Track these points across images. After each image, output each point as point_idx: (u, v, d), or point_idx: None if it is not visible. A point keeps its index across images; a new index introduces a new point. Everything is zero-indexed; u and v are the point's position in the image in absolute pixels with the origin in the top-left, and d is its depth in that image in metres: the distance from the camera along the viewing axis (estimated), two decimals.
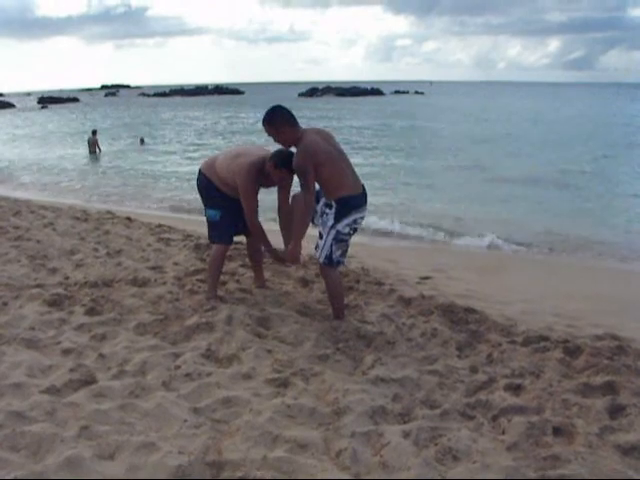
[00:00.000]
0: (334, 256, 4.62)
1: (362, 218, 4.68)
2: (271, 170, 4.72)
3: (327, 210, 4.59)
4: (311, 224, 4.77)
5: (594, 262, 8.25)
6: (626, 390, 3.61)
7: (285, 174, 4.72)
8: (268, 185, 4.94)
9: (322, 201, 4.68)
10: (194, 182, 5.30)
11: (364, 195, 4.64)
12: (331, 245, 4.57)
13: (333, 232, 4.55)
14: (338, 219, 4.52)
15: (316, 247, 4.74)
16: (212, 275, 5.16)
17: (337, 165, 4.50)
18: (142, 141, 27.91)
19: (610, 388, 3.66)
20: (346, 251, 4.72)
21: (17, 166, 21.12)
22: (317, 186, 4.56)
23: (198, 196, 5.25)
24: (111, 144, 27.90)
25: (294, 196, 4.88)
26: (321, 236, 4.64)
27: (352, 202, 4.54)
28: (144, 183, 16.66)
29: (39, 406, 3.26)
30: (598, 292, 6.58)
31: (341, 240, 4.59)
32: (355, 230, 4.67)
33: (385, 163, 19.88)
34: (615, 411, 3.39)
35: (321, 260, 4.67)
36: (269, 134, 4.54)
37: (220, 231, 5.07)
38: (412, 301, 5.33)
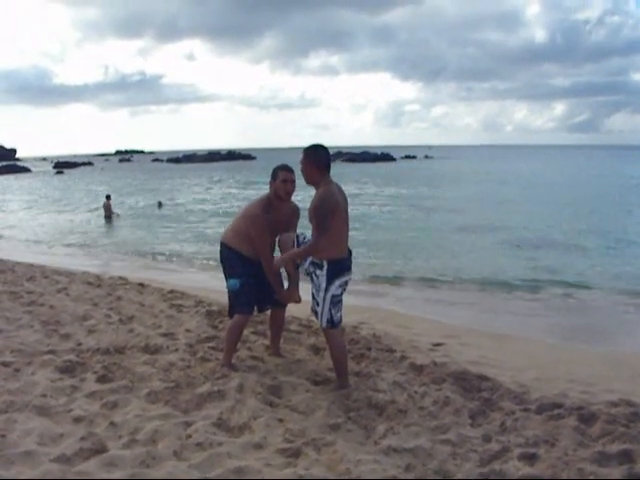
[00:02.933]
0: (335, 318, 4.69)
1: (350, 279, 4.79)
2: (278, 182, 4.95)
3: (317, 271, 4.62)
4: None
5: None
6: None
7: (286, 175, 4.95)
8: (277, 226, 5.03)
9: (309, 259, 4.70)
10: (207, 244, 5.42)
11: (350, 257, 4.77)
12: (329, 310, 4.65)
13: (329, 297, 4.62)
14: (331, 280, 4.59)
15: (312, 311, 4.83)
16: (229, 344, 5.15)
17: (342, 226, 4.62)
18: (160, 205, 28.40)
19: (627, 456, 3.60)
20: (341, 307, 4.77)
21: (31, 231, 21.42)
22: (308, 237, 4.74)
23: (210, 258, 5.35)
24: (130, 207, 28.75)
25: (280, 239, 5.03)
26: (317, 302, 4.68)
27: (343, 264, 4.66)
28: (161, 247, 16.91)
29: (49, 475, 3.25)
30: (611, 357, 6.52)
31: (337, 302, 4.68)
32: (344, 289, 4.75)
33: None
34: None
35: (323, 325, 4.72)
36: (306, 163, 4.65)
37: (241, 300, 5.06)
38: (424, 368, 5.30)
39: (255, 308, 5.24)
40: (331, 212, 4.48)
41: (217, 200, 33.54)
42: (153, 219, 23.86)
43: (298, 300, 5.16)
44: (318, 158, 4.68)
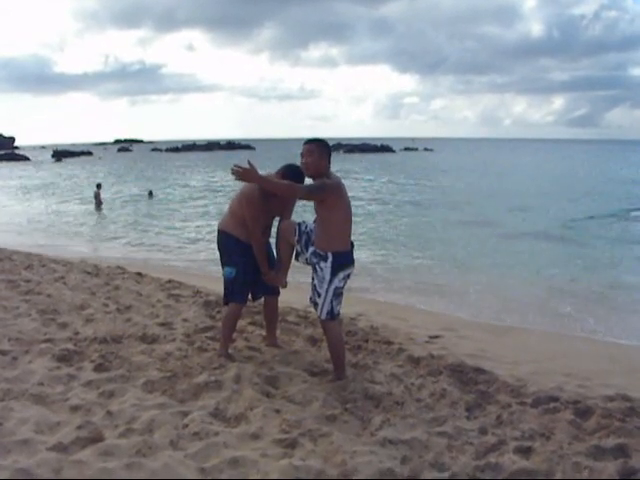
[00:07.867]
0: (335, 310, 4.70)
1: (352, 271, 4.80)
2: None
3: (322, 263, 4.61)
4: (294, 260, 4.96)
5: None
6: (638, 453, 3.57)
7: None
8: (272, 208, 5.01)
9: (311, 249, 4.72)
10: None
11: (352, 250, 4.77)
12: (331, 302, 4.65)
13: (332, 289, 4.62)
14: (335, 273, 4.60)
15: (311, 302, 4.81)
16: (225, 333, 5.19)
17: (345, 218, 4.64)
18: (150, 194, 28.69)
19: (622, 451, 3.61)
20: (342, 299, 4.77)
21: (26, 218, 21.45)
22: (310, 227, 4.75)
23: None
24: (121, 196, 28.98)
25: (281, 225, 5.01)
26: (318, 294, 4.68)
27: (347, 257, 4.67)
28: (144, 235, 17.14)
29: (46, 463, 3.25)
30: (608, 351, 6.53)
31: (339, 294, 4.69)
32: (346, 282, 4.75)
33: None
34: (627, 475, 3.34)
35: (323, 317, 4.71)
36: (307, 153, 4.65)
37: (235, 289, 5.07)
38: (421, 361, 5.31)
39: (249, 296, 5.24)
40: (329, 191, 4.51)
41: (212, 188, 33.50)
42: (143, 208, 23.97)
43: (284, 285, 5.16)
44: (329, 148, 4.74)
